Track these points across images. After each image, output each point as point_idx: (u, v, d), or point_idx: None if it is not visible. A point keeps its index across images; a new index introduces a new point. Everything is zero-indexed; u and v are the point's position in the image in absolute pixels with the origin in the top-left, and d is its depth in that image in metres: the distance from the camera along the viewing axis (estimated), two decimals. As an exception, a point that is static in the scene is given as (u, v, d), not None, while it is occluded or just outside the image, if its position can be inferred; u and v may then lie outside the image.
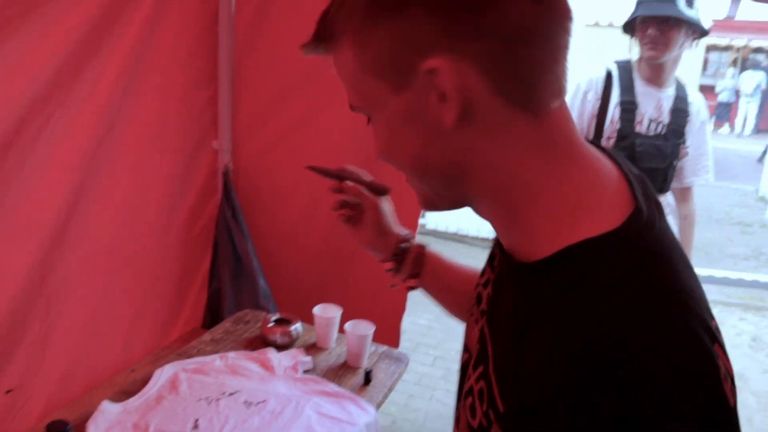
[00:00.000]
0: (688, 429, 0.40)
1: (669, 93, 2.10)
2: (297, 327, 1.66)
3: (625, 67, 2.11)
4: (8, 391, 1.57)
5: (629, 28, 2.10)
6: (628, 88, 2.07)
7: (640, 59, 2.11)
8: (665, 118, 2.09)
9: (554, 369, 0.45)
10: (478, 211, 0.62)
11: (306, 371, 1.53)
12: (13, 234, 1.51)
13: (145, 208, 1.98)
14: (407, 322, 2.12)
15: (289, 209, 2.18)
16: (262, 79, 2.08)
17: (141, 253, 1.99)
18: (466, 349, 0.70)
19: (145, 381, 1.44)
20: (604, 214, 0.52)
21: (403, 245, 0.95)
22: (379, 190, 0.94)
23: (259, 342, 1.65)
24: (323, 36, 0.58)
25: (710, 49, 14.90)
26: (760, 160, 10.47)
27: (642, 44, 2.02)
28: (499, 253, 0.65)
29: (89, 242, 1.78)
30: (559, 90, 0.55)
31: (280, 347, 1.62)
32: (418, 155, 0.57)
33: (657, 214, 0.54)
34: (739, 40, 14.99)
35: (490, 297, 0.67)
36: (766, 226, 7.19)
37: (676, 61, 2.07)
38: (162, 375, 1.46)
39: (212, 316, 2.20)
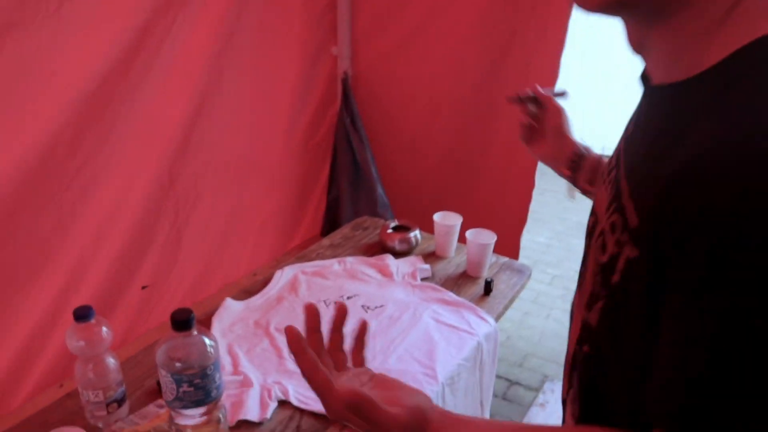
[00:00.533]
0: None
1: None
2: (416, 234, 1.63)
3: None
4: (144, 287, 1.69)
5: None
6: None
7: None
8: None
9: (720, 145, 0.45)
10: (652, 29, 0.58)
11: (424, 279, 1.51)
12: (141, 136, 1.57)
13: (269, 114, 2.01)
14: (526, 239, 2.05)
15: (409, 116, 2.12)
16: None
17: (265, 162, 2.04)
18: (593, 213, 0.71)
19: (266, 282, 1.48)
20: None
21: (580, 152, 0.99)
22: (561, 95, 1.00)
23: (377, 248, 1.65)
24: None
25: None
26: None
27: None
28: (645, 92, 0.66)
29: (215, 149, 1.83)
30: None
31: (399, 254, 1.60)
32: None
33: None
34: None
35: (628, 137, 0.68)
36: None
37: None
38: (282, 276, 1.50)
39: (330, 225, 2.23)
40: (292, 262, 1.57)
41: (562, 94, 1.01)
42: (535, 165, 1.90)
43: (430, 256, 1.62)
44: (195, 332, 0.86)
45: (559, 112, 1.00)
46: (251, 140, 1.97)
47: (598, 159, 0.98)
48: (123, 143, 1.52)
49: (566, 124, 1.01)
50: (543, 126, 1.01)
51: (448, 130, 2.06)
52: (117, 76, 1.46)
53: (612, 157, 0.71)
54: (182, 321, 0.84)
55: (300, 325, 0.67)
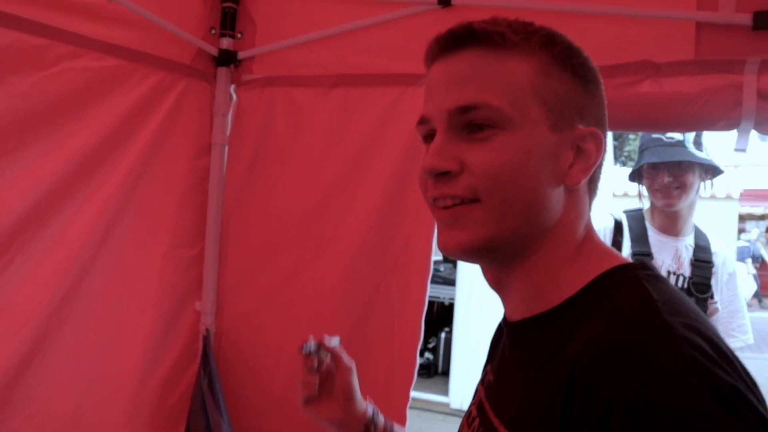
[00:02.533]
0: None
1: (688, 242, 1.93)
2: None
3: (635, 217, 1.98)
4: None
5: (637, 176, 1.99)
6: (640, 238, 1.92)
7: (653, 208, 1.98)
8: (686, 270, 1.90)
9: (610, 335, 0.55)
10: (508, 272, 0.69)
11: None
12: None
13: (118, 371, 1.81)
14: None
15: (275, 375, 1.97)
16: (249, 236, 1.99)
17: (107, 424, 1.78)
18: None
19: None
20: (623, 258, 0.69)
21: (372, 419, 0.95)
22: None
23: None
24: (492, 34, 0.65)
25: (745, 218, 14.86)
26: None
27: (654, 192, 1.90)
28: (506, 331, 0.75)
29: (45, 404, 1.60)
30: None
31: None
32: (537, 193, 0.65)
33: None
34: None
35: (490, 384, 0.75)
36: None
37: (691, 207, 1.93)
38: None
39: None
40: None
41: (337, 339, 0.97)
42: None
43: None
44: None
45: (349, 371, 0.94)
46: (94, 401, 1.74)
47: (391, 427, 0.90)
48: None
49: (355, 385, 0.94)
50: (331, 385, 0.94)
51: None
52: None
53: (470, 408, 0.76)
54: None
55: None
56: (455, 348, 5.52)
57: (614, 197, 7.83)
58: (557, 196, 0.66)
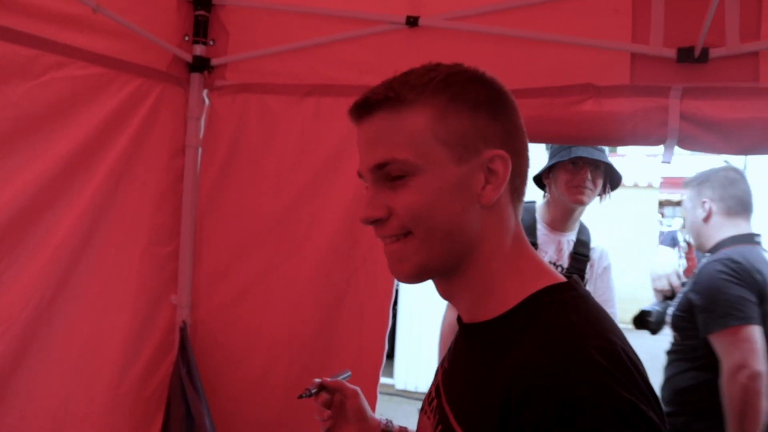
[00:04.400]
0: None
1: (571, 237, 2.09)
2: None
3: (527, 209, 2.06)
4: None
5: (548, 171, 2.06)
6: (529, 230, 2.02)
7: (550, 203, 2.09)
8: (565, 261, 2.07)
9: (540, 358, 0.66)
10: (451, 284, 0.80)
11: None
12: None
13: (99, 365, 1.90)
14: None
15: (249, 364, 2.10)
16: (223, 234, 2.10)
17: (90, 416, 1.87)
18: None
19: None
20: (553, 276, 0.78)
21: (387, 429, 1.06)
22: (346, 375, 1.12)
23: None
24: (387, 99, 0.74)
25: (663, 204, 15.68)
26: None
27: (569, 188, 1.97)
28: (459, 328, 0.86)
29: (35, 401, 1.68)
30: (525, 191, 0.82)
31: None
32: (454, 219, 0.75)
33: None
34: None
35: (446, 371, 0.86)
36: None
37: (585, 207, 2.06)
38: None
39: (160, 486, 2.01)
40: None
41: (347, 374, 1.09)
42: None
43: None
44: None
45: (356, 395, 1.05)
46: (79, 392, 1.82)
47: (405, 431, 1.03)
48: None
49: (365, 405, 1.06)
50: (344, 412, 1.05)
51: (290, 375, 2.05)
52: None
53: (431, 388, 0.88)
54: None
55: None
56: (399, 331, 5.73)
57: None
58: (474, 216, 0.76)
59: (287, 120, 1.99)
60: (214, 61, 2.07)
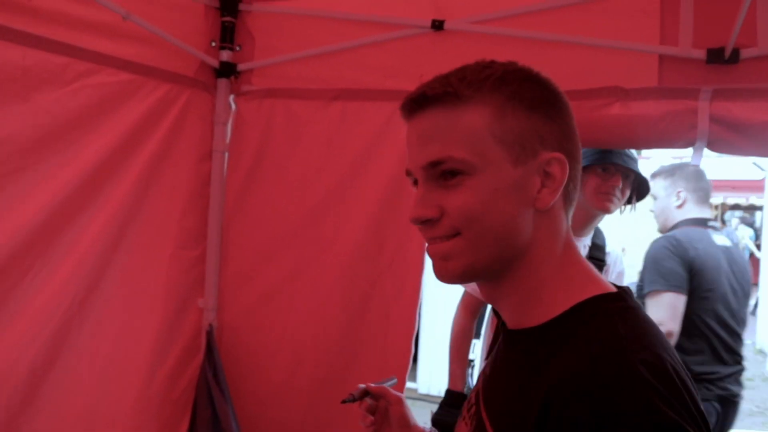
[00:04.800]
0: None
1: (587, 242, 2.04)
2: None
3: None
4: None
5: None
6: None
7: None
8: None
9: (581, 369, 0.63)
10: (498, 288, 0.77)
11: None
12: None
13: (128, 368, 1.92)
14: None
15: (273, 368, 2.11)
16: (249, 238, 2.12)
17: (119, 418, 1.90)
18: None
19: None
20: (602, 285, 0.76)
21: None
22: (392, 381, 1.13)
23: None
24: (446, 94, 0.73)
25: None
26: (753, 312, 10.41)
27: (598, 194, 1.88)
28: (502, 334, 0.83)
29: (64, 403, 1.71)
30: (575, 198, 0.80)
31: None
32: (508, 222, 0.73)
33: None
34: (716, 198, 15.63)
35: (486, 377, 0.84)
36: (768, 379, 6.98)
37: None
38: None
39: (187, 488, 2.03)
40: None
41: (393, 381, 1.08)
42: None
43: None
44: None
45: (400, 402, 1.05)
46: (108, 394, 1.85)
47: None
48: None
49: (409, 413, 1.05)
50: (387, 419, 1.04)
51: (315, 378, 2.06)
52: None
53: (471, 395, 0.86)
54: None
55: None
56: (423, 336, 5.71)
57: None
58: (528, 220, 0.73)
59: (313, 125, 2.00)
60: (241, 67, 2.09)
